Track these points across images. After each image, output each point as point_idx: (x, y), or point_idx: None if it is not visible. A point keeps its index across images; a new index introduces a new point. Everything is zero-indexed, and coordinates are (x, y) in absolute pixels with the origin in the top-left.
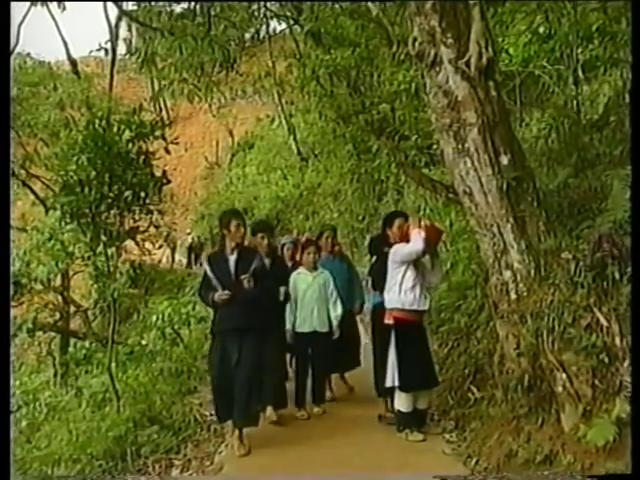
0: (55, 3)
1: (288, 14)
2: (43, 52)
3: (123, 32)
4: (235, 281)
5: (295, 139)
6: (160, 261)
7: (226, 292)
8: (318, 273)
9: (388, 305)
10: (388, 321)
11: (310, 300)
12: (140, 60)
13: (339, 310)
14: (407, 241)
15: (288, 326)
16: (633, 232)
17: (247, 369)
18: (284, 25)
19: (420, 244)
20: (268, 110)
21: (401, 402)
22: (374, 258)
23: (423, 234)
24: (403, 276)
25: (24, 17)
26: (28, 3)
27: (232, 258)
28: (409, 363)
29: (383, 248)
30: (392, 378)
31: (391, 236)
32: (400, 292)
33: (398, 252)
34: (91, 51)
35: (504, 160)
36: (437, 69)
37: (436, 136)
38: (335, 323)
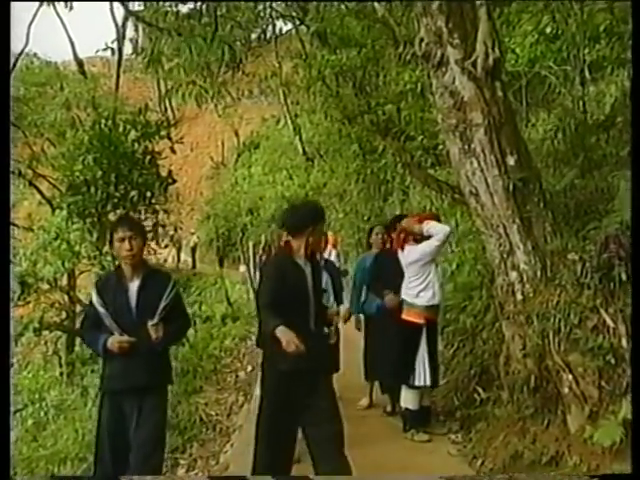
0: (62, 2)
1: (294, 14)
2: (50, 52)
3: (129, 32)
4: (137, 321)
5: (301, 139)
6: (166, 260)
7: (127, 338)
8: None
9: (426, 303)
10: (418, 320)
11: None
12: (147, 60)
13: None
14: (391, 244)
15: None
16: (633, 233)
17: (147, 431)
18: (290, 25)
19: (446, 227)
20: (273, 110)
21: (410, 400)
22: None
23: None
24: (435, 274)
25: (33, 17)
26: (37, 3)
27: (133, 287)
28: (434, 360)
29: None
30: (424, 377)
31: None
32: (435, 290)
33: (427, 250)
34: (97, 50)
35: (510, 161)
36: (444, 69)
37: (442, 136)
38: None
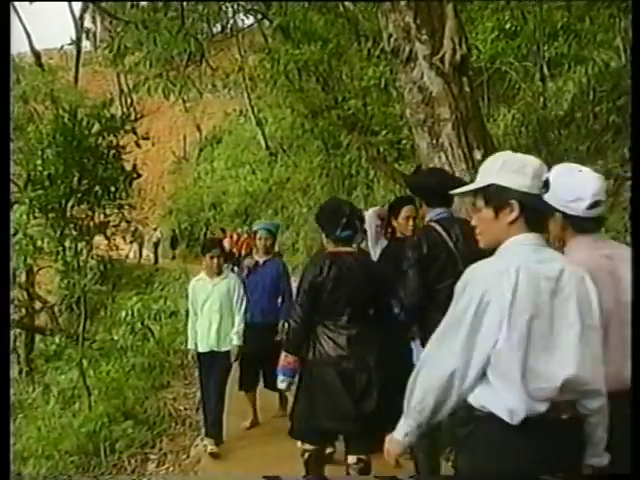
0: None
1: (256, 8)
2: None
3: (87, 25)
4: None
5: (263, 134)
6: (127, 256)
7: None
8: (220, 279)
9: None
10: None
11: (208, 313)
12: (112, 54)
13: (241, 325)
14: None
15: (190, 344)
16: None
17: None
18: (252, 19)
19: None
20: (236, 104)
21: None
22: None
23: None
24: None
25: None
26: None
27: None
28: None
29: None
30: None
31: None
32: None
33: None
34: (62, 45)
35: (477, 155)
36: (412, 65)
37: (406, 131)
38: (235, 340)
